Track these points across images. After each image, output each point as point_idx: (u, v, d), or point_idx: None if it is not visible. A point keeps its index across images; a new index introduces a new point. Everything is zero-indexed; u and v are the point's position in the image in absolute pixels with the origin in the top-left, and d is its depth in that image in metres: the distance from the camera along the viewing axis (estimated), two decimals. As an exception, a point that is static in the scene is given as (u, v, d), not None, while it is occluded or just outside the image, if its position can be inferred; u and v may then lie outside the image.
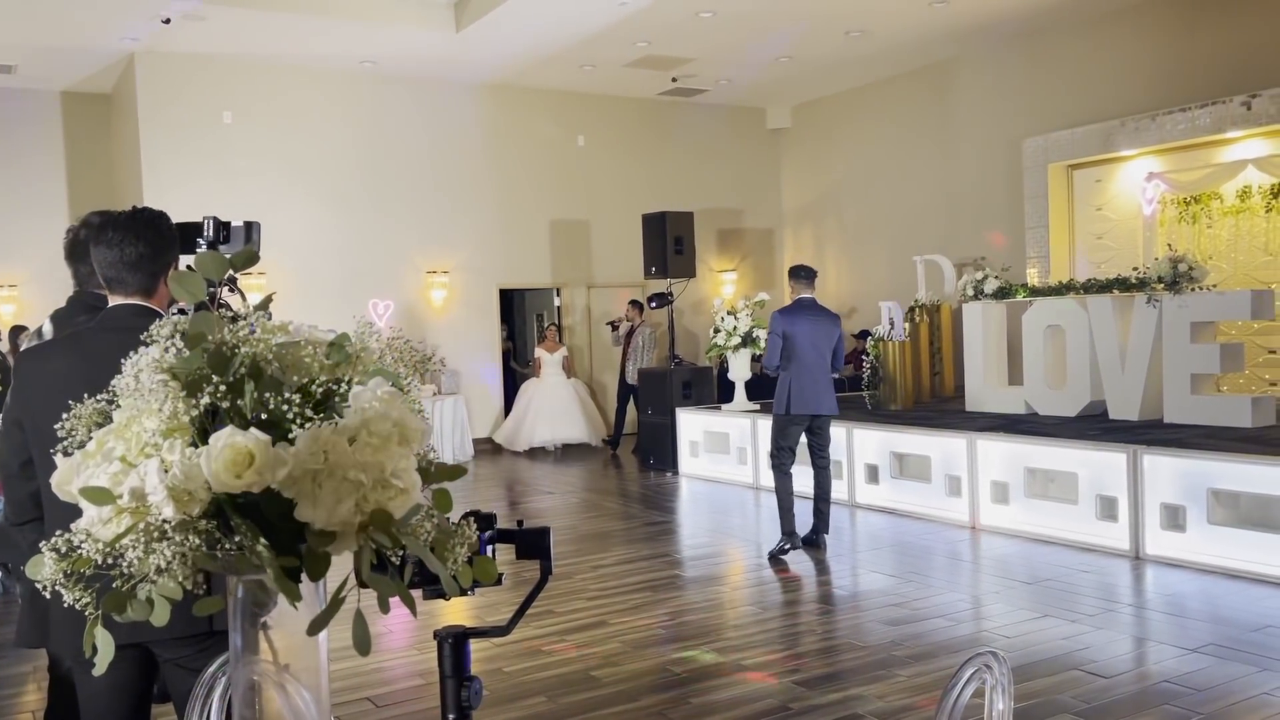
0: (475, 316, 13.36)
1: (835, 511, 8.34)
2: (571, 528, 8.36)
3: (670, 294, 11.64)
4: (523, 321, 16.61)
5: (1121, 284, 8.03)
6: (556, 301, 14.16)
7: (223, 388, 1.08)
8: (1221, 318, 7.82)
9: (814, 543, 7.06)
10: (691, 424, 10.68)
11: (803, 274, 7.19)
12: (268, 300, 1.25)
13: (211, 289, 1.24)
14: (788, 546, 6.90)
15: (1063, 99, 11.53)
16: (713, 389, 11.47)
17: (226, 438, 1.04)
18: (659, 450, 11.14)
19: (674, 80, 13.49)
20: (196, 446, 1.08)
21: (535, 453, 12.89)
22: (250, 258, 1.18)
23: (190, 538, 1.05)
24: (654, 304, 11.82)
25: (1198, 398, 7.54)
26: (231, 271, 1.26)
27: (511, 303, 14.62)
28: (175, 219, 3.01)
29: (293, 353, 1.16)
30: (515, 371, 14.31)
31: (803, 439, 7.09)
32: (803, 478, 7.36)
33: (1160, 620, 5.41)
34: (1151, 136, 10.52)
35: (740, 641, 5.26)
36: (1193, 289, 7.56)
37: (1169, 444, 6.64)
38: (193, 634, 2.27)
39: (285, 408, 1.11)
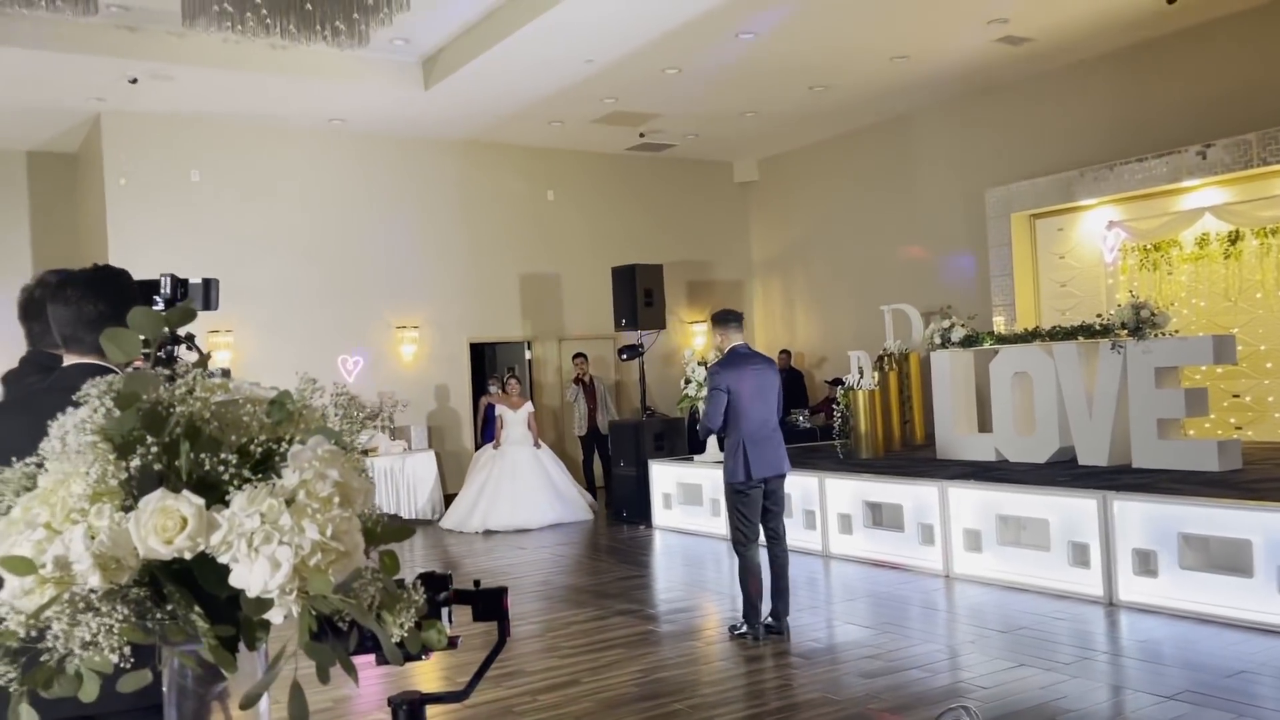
0: (446, 371, 13.29)
1: (809, 562, 8.31)
2: (544, 582, 8.24)
3: (641, 346, 11.65)
4: (496, 373, 16.54)
5: (1086, 331, 8.12)
6: (528, 355, 14.13)
7: (156, 449, 1.04)
8: (1185, 363, 7.91)
9: (778, 630, 6.20)
10: (664, 476, 10.61)
11: (730, 319, 6.44)
12: (206, 357, 1.21)
13: (159, 346, 1.21)
14: (750, 636, 6.13)
15: (1023, 150, 11.75)
16: (684, 441, 11.44)
17: (157, 501, 1.00)
18: (631, 503, 11.05)
19: (641, 135, 13.64)
20: (128, 511, 1.04)
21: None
22: (186, 315, 1.14)
23: (119, 608, 1.00)
24: (625, 356, 11.82)
25: (1165, 442, 7.59)
26: (175, 328, 1.22)
27: (483, 356, 14.55)
28: (143, 278, 2.97)
29: (232, 412, 1.13)
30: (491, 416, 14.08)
31: None
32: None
33: (1136, 667, 5.38)
34: (1110, 186, 10.73)
35: (715, 698, 5.17)
36: (1156, 335, 7.65)
37: (1138, 489, 6.67)
38: (143, 706, 2.18)
39: (222, 469, 1.07)
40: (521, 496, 10.97)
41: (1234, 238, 10.22)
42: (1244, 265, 10.19)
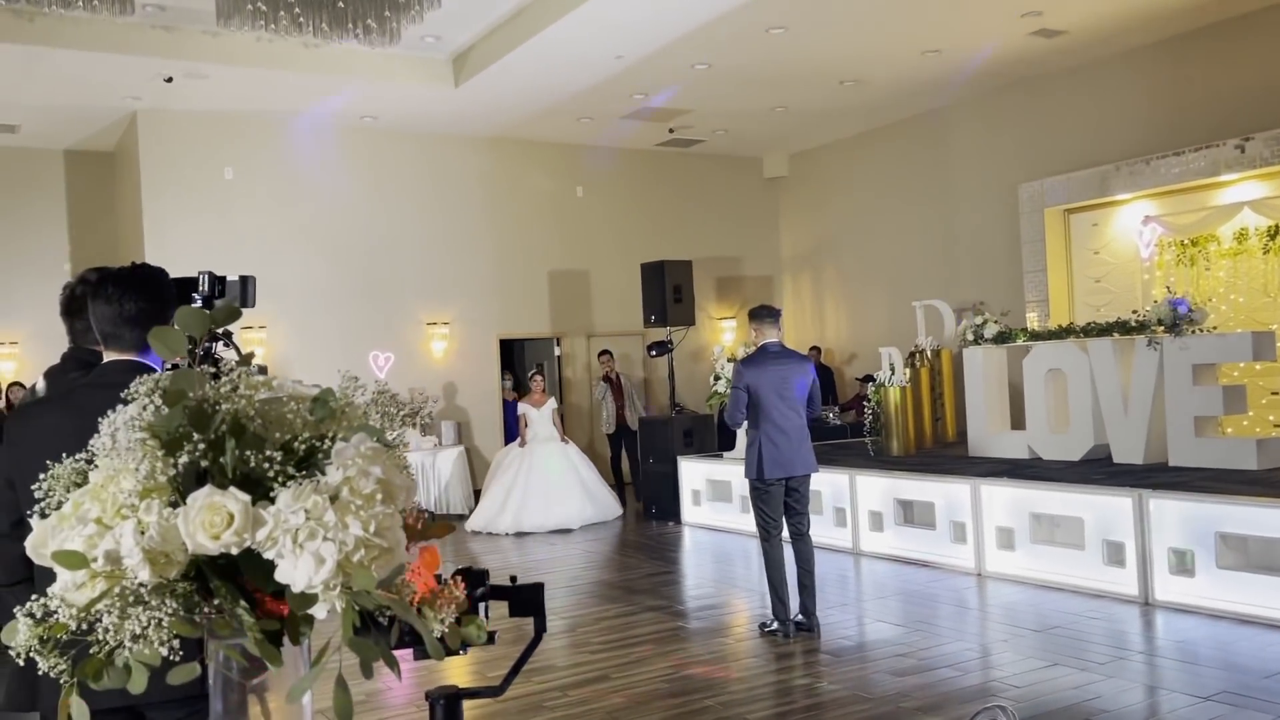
0: (476, 367, 13.35)
1: (840, 560, 8.28)
2: (573, 578, 8.26)
3: (670, 342, 11.65)
4: (524, 371, 16.60)
5: (1121, 327, 8.02)
6: (557, 351, 14.16)
7: (202, 446, 1.06)
8: (1223, 360, 7.80)
9: (807, 627, 6.17)
10: (693, 473, 10.61)
11: (765, 315, 6.38)
12: (250, 356, 1.23)
13: (197, 345, 1.22)
14: (779, 634, 6.12)
15: (1057, 144, 11.63)
16: (714, 437, 11.43)
17: (205, 497, 1.01)
18: (661, 500, 11.06)
19: (671, 131, 13.62)
20: (175, 507, 1.06)
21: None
22: (232, 314, 1.16)
23: (167, 601, 1.02)
24: (654, 352, 11.82)
25: (1202, 440, 7.49)
26: (220, 327, 1.24)
27: (512, 353, 14.61)
28: (177, 275, 3.01)
29: (275, 409, 1.14)
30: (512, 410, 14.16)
31: None
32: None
33: (1171, 668, 5.32)
34: (1147, 180, 10.59)
35: (745, 695, 5.16)
36: (1193, 331, 7.55)
37: (1175, 487, 6.58)
38: (185, 696, 2.22)
39: (267, 466, 1.08)
40: (555, 496, 10.63)
41: (1273, 232, 10.06)
42: (1283, 260, 10.02)
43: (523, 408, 11.24)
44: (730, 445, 10.47)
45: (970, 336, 9.28)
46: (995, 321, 9.22)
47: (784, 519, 6.30)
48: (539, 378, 11.56)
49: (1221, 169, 9.92)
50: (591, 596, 7.62)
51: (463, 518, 11.68)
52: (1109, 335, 8.11)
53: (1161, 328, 7.64)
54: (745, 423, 6.30)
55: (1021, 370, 8.91)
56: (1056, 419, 8.62)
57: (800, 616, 6.21)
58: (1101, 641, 5.80)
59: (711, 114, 12.87)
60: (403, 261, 12.85)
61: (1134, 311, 8.12)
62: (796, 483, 6.25)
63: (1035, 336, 8.94)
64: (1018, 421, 9.24)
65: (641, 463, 11.59)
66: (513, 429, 13.40)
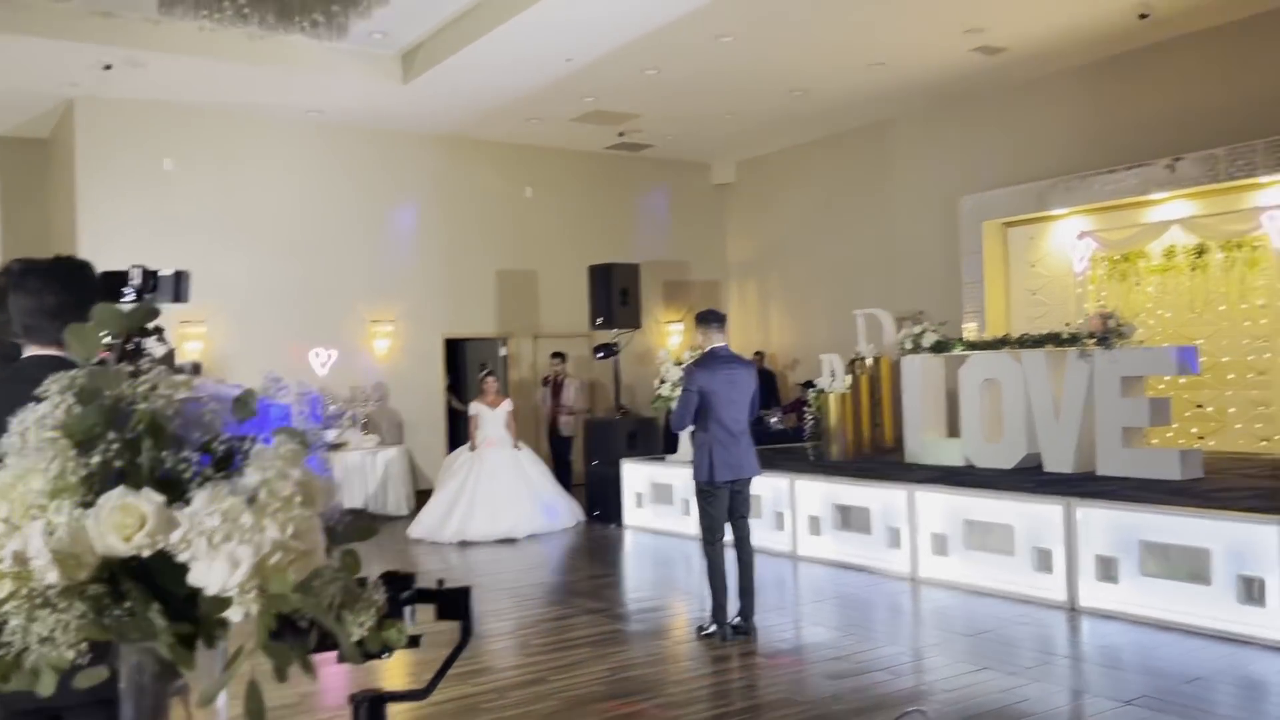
0: (420, 366, 13.24)
1: (778, 564, 8.36)
2: (514, 582, 8.23)
3: (616, 345, 11.67)
4: (467, 372, 16.49)
5: (1055, 339, 8.21)
6: (502, 351, 14.10)
7: (117, 446, 1.04)
8: (1150, 373, 8.02)
9: (745, 630, 6.20)
10: (636, 475, 10.63)
11: (712, 320, 6.44)
12: (170, 355, 1.22)
13: (126, 339, 1.21)
14: (717, 635, 6.17)
15: (997, 158, 11.86)
16: (658, 440, 11.47)
17: (117, 498, 1.00)
18: (603, 502, 11.06)
19: (620, 135, 13.65)
20: (90, 507, 1.04)
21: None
22: (149, 313, 1.15)
23: (76, 604, 1.01)
24: (600, 355, 11.83)
25: (1129, 451, 7.69)
26: (137, 326, 1.22)
27: (456, 353, 14.50)
28: (113, 267, 2.96)
29: (196, 409, 1.13)
30: (457, 413, 14.05)
31: None
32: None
33: (1096, 672, 5.46)
34: (1082, 196, 10.85)
35: (682, 697, 5.19)
36: (1122, 344, 7.76)
37: (1102, 496, 6.76)
38: (101, 699, 2.18)
39: (184, 467, 1.07)
40: (502, 505, 10.06)
41: (1200, 250, 10.37)
42: (1209, 278, 10.34)
43: (475, 408, 10.66)
44: (673, 448, 10.52)
45: (909, 345, 9.43)
46: (934, 331, 9.38)
47: (729, 522, 6.34)
48: (491, 378, 10.99)
49: (1152, 187, 10.20)
50: (531, 599, 7.61)
51: (402, 519, 11.57)
52: (1042, 347, 8.30)
53: (1092, 341, 7.84)
54: (691, 426, 6.32)
55: (958, 379, 9.07)
56: (991, 428, 8.80)
57: (738, 620, 6.26)
58: (1029, 646, 5.93)
59: (660, 119, 12.92)
60: (347, 258, 12.70)
61: (1067, 324, 8.31)
62: (742, 485, 6.33)
63: (972, 346, 9.12)
64: (954, 429, 9.41)
65: (587, 465, 11.59)
66: (457, 432, 13.31)
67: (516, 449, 10.64)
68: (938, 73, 11.32)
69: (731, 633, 6.18)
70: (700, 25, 9.52)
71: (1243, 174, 9.50)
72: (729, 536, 6.37)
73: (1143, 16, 9.52)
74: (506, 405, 10.68)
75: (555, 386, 12.84)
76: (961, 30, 9.96)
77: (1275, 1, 9.45)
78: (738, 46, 10.19)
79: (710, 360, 6.32)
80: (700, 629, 6.34)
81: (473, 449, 10.45)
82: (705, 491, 6.27)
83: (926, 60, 10.90)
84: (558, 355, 13.03)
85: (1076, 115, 11.18)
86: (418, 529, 10.19)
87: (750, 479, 6.36)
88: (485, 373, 11.29)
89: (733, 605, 6.28)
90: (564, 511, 10.66)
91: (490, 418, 10.52)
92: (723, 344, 6.42)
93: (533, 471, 10.63)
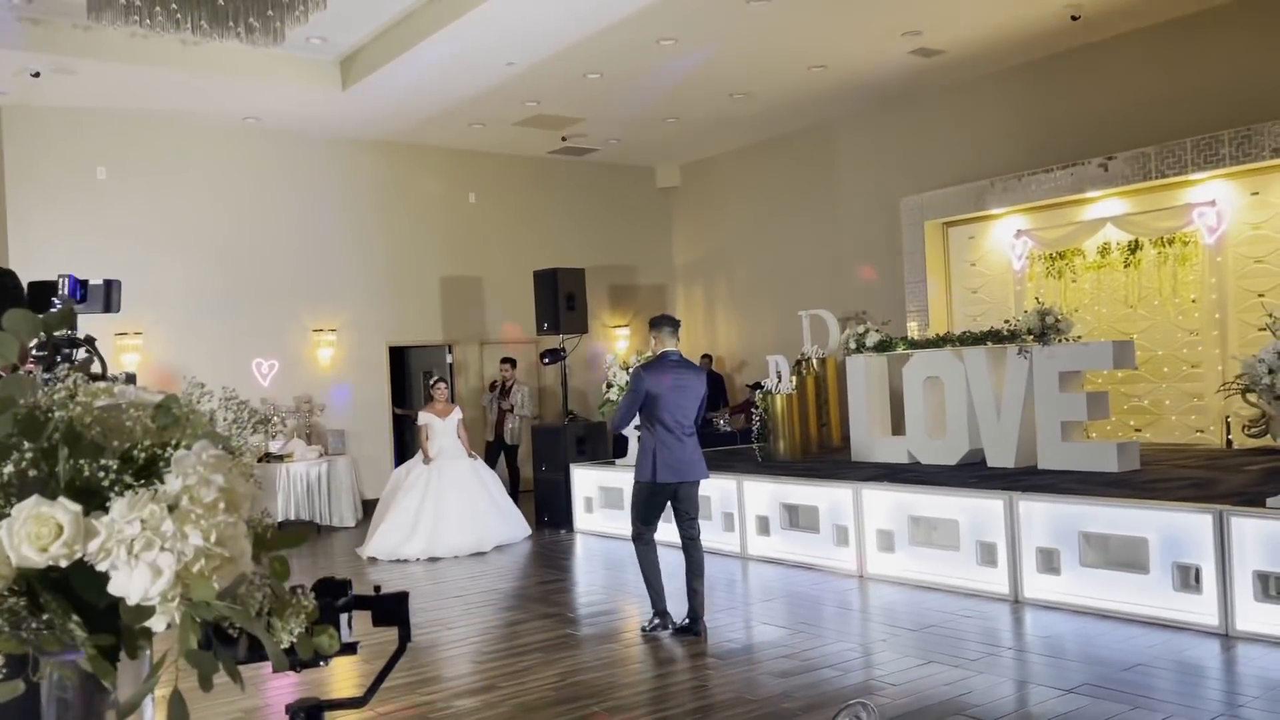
0: (364, 375, 13.09)
1: (728, 564, 8.40)
2: (463, 589, 8.17)
3: (563, 350, 11.64)
4: (413, 379, 16.34)
5: (994, 336, 8.36)
6: (449, 359, 13.99)
7: (31, 454, 1.02)
8: (1087, 367, 8.20)
9: (694, 630, 6.22)
10: (586, 480, 10.61)
11: (666, 324, 6.51)
12: (88, 362, 1.19)
13: (54, 349, 1.18)
14: (659, 627, 6.30)
15: (937, 159, 12.06)
16: (606, 444, 11.46)
17: (31, 508, 0.98)
18: (552, 507, 11.02)
19: (564, 139, 13.63)
20: (3, 519, 1.01)
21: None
22: (65, 317, 1.12)
23: (-10, 617, 0.98)
24: (547, 360, 11.80)
25: (1068, 444, 7.85)
26: (53, 331, 1.19)
27: (401, 361, 14.36)
28: (44, 277, 2.88)
29: (115, 416, 1.11)
30: (402, 420, 13.90)
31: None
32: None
33: (1039, 662, 5.56)
34: (1019, 195, 11.07)
35: (632, 700, 5.19)
36: (1060, 340, 7.92)
37: (1042, 489, 6.89)
38: (22, 713, 2.12)
39: (103, 475, 1.05)
40: (468, 518, 9.60)
41: (1134, 247, 10.63)
42: (1143, 274, 10.60)
43: (425, 417, 10.06)
44: (622, 452, 10.52)
45: (853, 345, 9.54)
46: (877, 330, 9.50)
47: (676, 524, 6.43)
48: (442, 384, 10.39)
49: (1086, 186, 10.44)
50: (481, 606, 7.55)
51: (348, 530, 11.43)
52: (983, 344, 8.44)
53: (1030, 337, 7.99)
54: (627, 427, 6.42)
55: (902, 378, 9.19)
56: (934, 424, 8.93)
57: (687, 621, 6.29)
58: (974, 639, 6.02)
59: (604, 123, 12.93)
60: (288, 266, 12.52)
61: (1005, 321, 8.46)
62: (689, 489, 6.37)
63: (914, 345, 9.25)
64: (898, 427, 9.53)
65: (535, 470, 11.54)
66: (403, 442, 13.16)
67: (471, 458, 10.22)
68: (877, 75, 11.48)
69: (676, 629, 6.26)
70: (642, 28, 9.55)
71: (1173, 171, 9.76)
72: (678, 539, 6.43)
73: (1074, 19, 9.74)
74: (457, 414, 10.20)
75: (504, 391, 12.77)
76: (899, 33, 10.11)
77: (1203, 3, 9.73)
78: (679, 50, 10.24)
79: (660, 364, 6.37)
80: (643, 628, 6.41)
81: (427, 461, 9.87)
82: (643, 490, 6.34)
83: (866, 63, 11.05)
84: (507, 361, 12.96)
85: (1012, 116, 11.40)
86: (374, 548, 9.54)
87: (698, 481, 6.39)
88: (434, 380, 10.65)
89: (682, 605, 6.31)
90: (520, 522, 10.33)
91: (441, 428, 9.99)
92: (674, 349, 6.47)
93: (490, 482, 10.25)
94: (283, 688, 5.16)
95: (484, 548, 9.63)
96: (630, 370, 8.14)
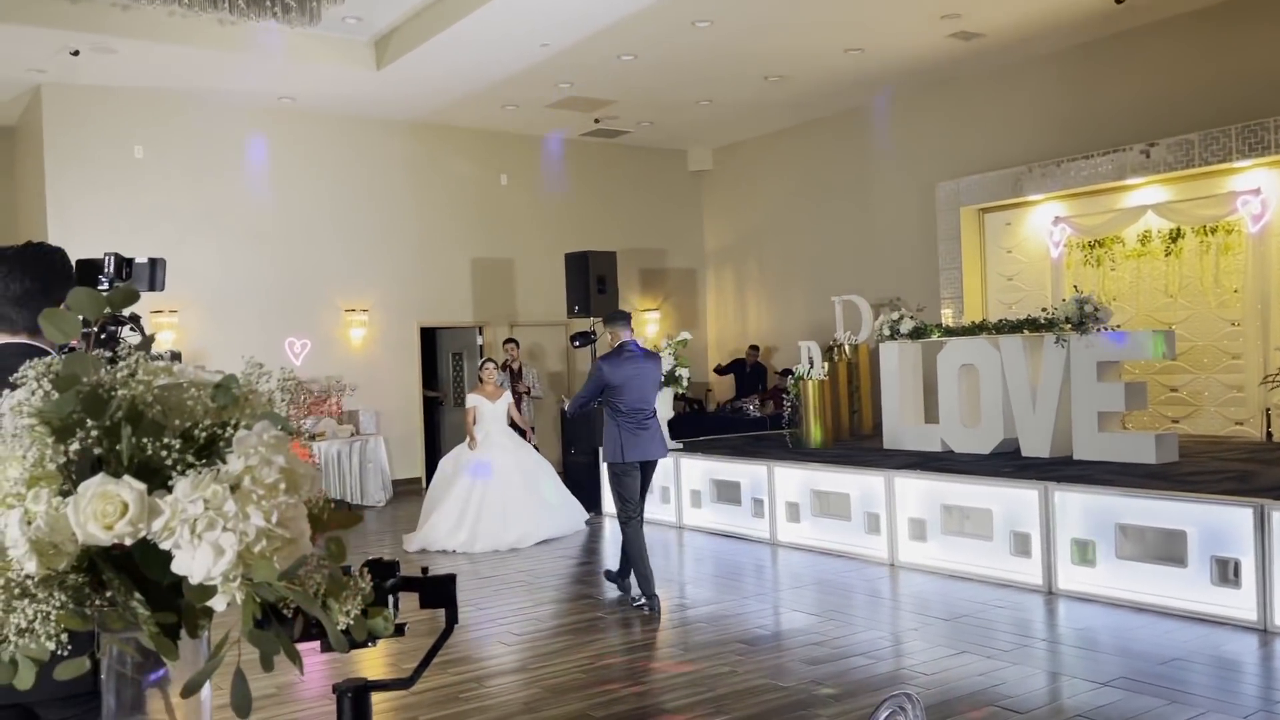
0: (395, 355, 13.16)
1: (757, 550, 8.40)
2: (493, 570, 8.21)
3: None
4: (442, 361, 16.40)
5: (1031, 324, 8.26)
6: (479, 340, 14.03)
7: (96, 432, 1.02)
8: (1125, 357, 8.09)
9: (651, 606, 6.70)
10: (614, 464, 10.60)
11: (619, 319, 7.07)
12: (149, 340, 1.19)
13: (101, 328, 1.18)
14: (646, 608, 6.68)
15: (973, 144, 11.91)
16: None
17: (97, 486, 0.97)
18: (582, 490, 11.03)
19: (596, 121, 13.59)
20: (67, 496, 1.02)
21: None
22: (129, 296, 1.12)
23: (56, 594, 0.98)
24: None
25: (1105, 435, 7.76)
26: (117, 310, 1.19)
27: (431, 342, 14.40)
28: (83, 255, 2.89)
29: (175, 395, 1.10)
30: (434, 403, 13.94)
31: None
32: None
33: (1073, 655, 5.51)
34: (1057, 182, 10.91)
35: (662, 684, 5.20)
36: (1098, 330, 7.81)
37: (1078, 480, 6.81)
38: (77, 693, 2.14)
39: (165, 453, 1.05)
40: (513, 512, 9.15)
41: (1175, 235, 10.45)
42: (1184, 263, 10.43)
43: (473, 399, 9.45)
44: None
45: (886, 331, 9.46)
46: (911, 317, 9.41)
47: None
48: (490, 365, 9.79)
49: (1128, 173, 10.27)
50: (510, 587, 7.59)
51: (376, 508, 11.53)
52: (1019, 332, 8.35)
53: (1068, 325, 7.89)
54: (578, 412, 7.13)
55: (936, 365, 9.11)
56: (968, 413, 8.84)
57: (644, 598, 6.77)
58: (1007, 630, 5.97)
59: (637, 105, 12.87)
60: (321, 246, 12.59)
61: (1043, 309, 8.35)
62: (649, 468, 6.89)
63: (949, 332, 9.15)
64: (931, 415, 9.46)
65: (565, 454, 11.55)
66: (433, 423, 13.22)
67: (527, 445, 9.75)
68: (915, 59, 11.33)
69: (635, 604, 6.76)
70: (677, 10, 9.48)
71: (1217, 159, 9.58)
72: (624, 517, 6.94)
73: (1119, 2, 9.56)
74: (507, 397, 9.62)
75: (513, 373, 12.73)
76: (938, 16, 9.97)
77: (1247, -12, 9.53)
78: (715, 32, 10.16)
79: (620, 355, 6.87)
80: (634, 601, 6.81)
81: (472, 447, 9.40)
82: (617, 471, 6.79)
83: (903, 46, 10.91)
84: (511, 341, 12.71)
85: (1052, 101, 11.23)
86: (420, 541, 9.21)
87: (655, 461, 6.89)
88: (484, 360, 10.15)
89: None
90: (573, 514, 9.86)
91: (490, 411, 9.41)
92: (631, 339, 7.00)
93: (541, 473, 9.72)
94: (311, 666, 5.20)
95: (523, 544, 9.15)
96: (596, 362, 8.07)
